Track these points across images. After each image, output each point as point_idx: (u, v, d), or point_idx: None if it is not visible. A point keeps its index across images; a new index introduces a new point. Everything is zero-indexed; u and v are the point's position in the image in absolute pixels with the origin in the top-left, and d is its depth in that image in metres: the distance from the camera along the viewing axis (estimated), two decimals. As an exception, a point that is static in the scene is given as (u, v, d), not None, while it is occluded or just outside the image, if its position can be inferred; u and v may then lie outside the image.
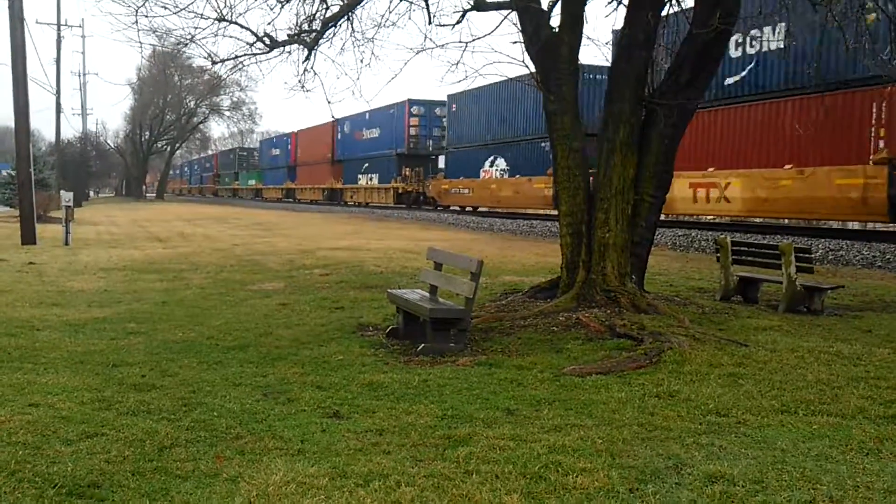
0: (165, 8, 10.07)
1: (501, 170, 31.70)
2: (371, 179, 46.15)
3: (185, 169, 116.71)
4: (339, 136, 50.68)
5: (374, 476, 4.00)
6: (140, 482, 3.94)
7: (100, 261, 15.50)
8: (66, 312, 9.23)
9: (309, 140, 56.88)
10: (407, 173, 41.84)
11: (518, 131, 30.39)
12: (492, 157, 32.24)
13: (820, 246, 15.60)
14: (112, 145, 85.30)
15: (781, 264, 9.29)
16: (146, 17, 10.38)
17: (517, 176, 30.09)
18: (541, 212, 30.63)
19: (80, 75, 68.30)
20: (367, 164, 46.54)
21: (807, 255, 9.49)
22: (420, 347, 7.04)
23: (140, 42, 12.64)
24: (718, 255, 10.32)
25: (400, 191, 42.03)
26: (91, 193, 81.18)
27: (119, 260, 15.71)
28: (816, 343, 7.23)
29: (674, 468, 4.12)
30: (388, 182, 43.37)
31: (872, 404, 5.26)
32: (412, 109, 41.50)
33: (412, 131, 41.73)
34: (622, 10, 8.89)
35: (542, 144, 26.84)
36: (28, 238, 19.43)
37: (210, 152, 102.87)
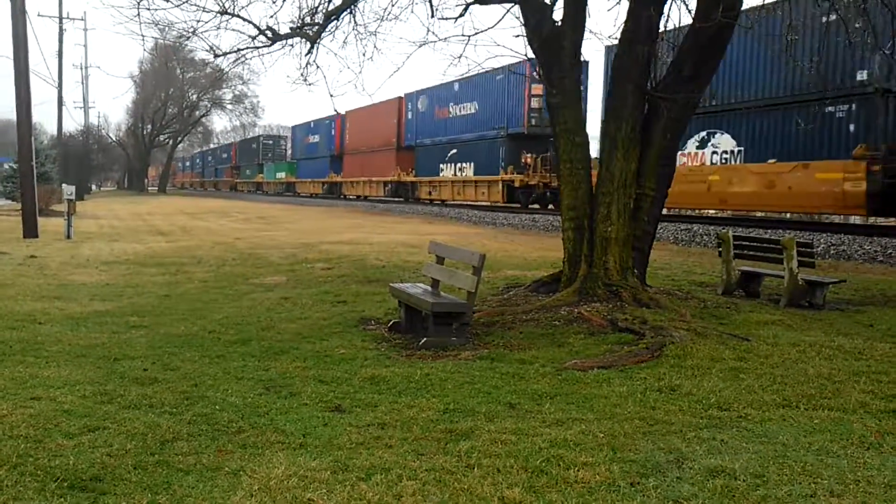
0: (168, 0, 10.07)
1: (724, 151, 20.24)
2: (462, 170, 34.27)
3: (197, 161, 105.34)
4: (410, 116, 39.43)
5: (376, 470, 4.01)
6: (142, 476, 3.94)
7: (102, 254, 15.51)
8: (67, 306, 9.24)
9: (362, 122, 45.07)
10: (528, 161, 29.41)
11: (760, 89, 18.96)
12: (703, 134, 20.82)
13: (822, 240, 15.59)
14: (114, 139, 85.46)
15: (783, 259, 9.28)
16: (148, 9, 10.40)
17: (772, 160, 18.46)
18: (840, 217, 20.49)
19: (82, 68, 68.31)
20: (454, 151, 34.97)
21: (808, 250, 9.48)
22: (422, 341, 7.05)
23: (142, 35, 12.63)
24: (720, 249, 10.32)
25: (516, 184, 30.14)
26: (93, 187, 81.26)
27: (121, 253, 15.72)
28: (818, 337, 7.23)
29: (675, 462, 4.12)
30: (492, 173, 31.77)
31: (874, 399, 5.26)
32: (535, 74, 27.92)
33: (534, 104, 28.97)
34: (625, 5, 8.88)
35: (831, 108, 17.28)
36: (30, 231, 19.45)
37: (213, 145, 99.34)
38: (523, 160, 30.00)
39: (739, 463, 4.07)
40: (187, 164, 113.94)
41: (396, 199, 41.77)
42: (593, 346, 6.86)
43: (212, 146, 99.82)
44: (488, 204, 32.77)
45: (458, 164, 34.97)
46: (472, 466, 4.06)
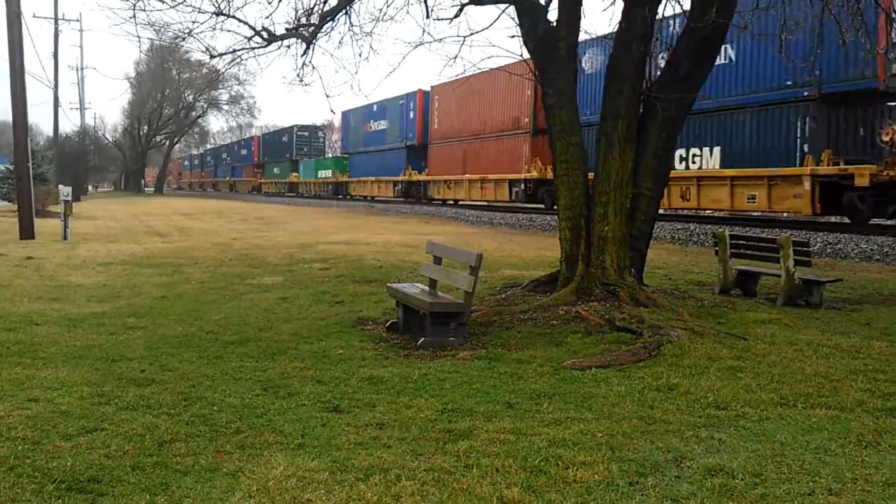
0: (163, 2, 10.06)
1: None
2: (695, 160, 20.53)
3: (208, 158, 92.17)
4: None
5: (375, 470, 4.01)
6: (140, 477, 3.94)
7: (98, 255, 15.48)
8: (64, 307, 9.22)
9: (464, 98, 31.74)
10: (893, 135, 15.57)
11: None
12: None
13: (818, 239, 15.62)
14: (110, 140, 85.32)
15: (780, 258, 9.30)
16: (144, 11, 10.38)
17: None
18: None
19: (77, 69, 68.02)
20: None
21: (805, 249, 9.50)
22: (420, 341, 7.05)
23: (138, 36, 12.69)
24: (717, 248, 10.33)
25: (859, 182, 15.76)
26: (90, 188, 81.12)
27: (118, 254, 15.70)
28: (815, 336, 7.24)
29: (673, 461, 4.13)
30: (775, 162, 17.96)
31: (871, 397, 5.27)
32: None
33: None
34: (619, 5, 8.89)
35: None
36: (26, 232, 19.42)
37: (210, 145, 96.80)
38: (885, 135, 15.69)
39: (738, 462, 4.08)
40: (195, 162, 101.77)
41: (534, 208, 28.06)
42: (591, 346, 6.87)
43: (227, 141, 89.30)
44: (789, 216, 19.10)
45: (684, 151, 20.52)
46: (471, 466, 4.06)
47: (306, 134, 60.73)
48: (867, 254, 14.38)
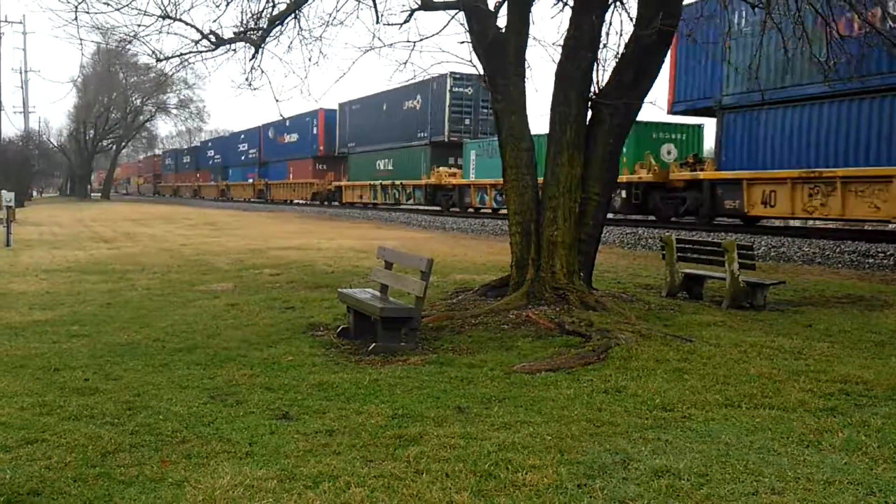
0: (108, 4, 9.85)
1: None
2: None
3: (210, 153, 66.92)
4: None
5: (324, 477, 3.97)
6: (82, 489, 3.84)
7: (42, 262, 15.06)
8: (5, 315, 8.94)
9: None
10: None
11: None
12: None
13: (762, 243, 16.02)
14: (55, 144, 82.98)
15: (725, 261, 9.51)
16: (87, 13, 10.13)
17: None
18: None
19: (21, 73, 66.12)
20: None
21: (749, 252, 9.73)
22: (371, 347, 7.02)
23: (80, 39, 12.38)
24: (664, 252, 10.51)
25: None
26: (34, 193, 78.82)
27: (62, 261, 15.29)
28: (759, 338, 7.41)
29: (621, 463, 4.18)
30: None
31: (812, 397, 5.42)
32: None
33: None
34: (568, 12, 9.00)
35: None
36: (-35, 239, 18.78)
37: (158, 149, 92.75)
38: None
39: (684, 462, 4.15)
40: (185, 159, 76.08)
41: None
42: (541, 349, 6.92)
43: (243, 129, 60.22)
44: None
45: None
46: (421, 472, 4.05)
47: (469, 90, 30.39)
48: (809, 256, 14.80)
